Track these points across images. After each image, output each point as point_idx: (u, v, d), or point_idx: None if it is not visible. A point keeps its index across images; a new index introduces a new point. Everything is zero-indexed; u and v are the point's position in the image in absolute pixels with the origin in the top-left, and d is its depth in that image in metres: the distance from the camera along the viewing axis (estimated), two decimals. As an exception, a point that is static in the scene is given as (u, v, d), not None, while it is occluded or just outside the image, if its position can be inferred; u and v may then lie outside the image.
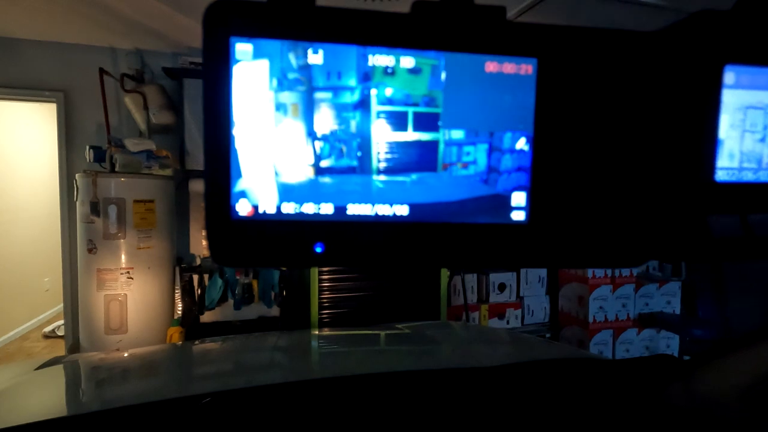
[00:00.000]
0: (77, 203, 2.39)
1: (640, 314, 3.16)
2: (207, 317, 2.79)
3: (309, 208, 0.22)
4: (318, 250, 0.22)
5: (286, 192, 0.22)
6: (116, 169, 2.35)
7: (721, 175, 0.24)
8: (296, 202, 0.22)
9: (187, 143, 2.64)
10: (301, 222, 0.22)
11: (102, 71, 2.56)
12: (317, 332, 1.77)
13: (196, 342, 1.35)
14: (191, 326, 2.64)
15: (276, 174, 0.21)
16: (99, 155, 2.39)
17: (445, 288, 2.74)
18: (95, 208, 2.26)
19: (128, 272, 2.35)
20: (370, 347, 1.26)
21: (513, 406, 0.72)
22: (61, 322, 3.42)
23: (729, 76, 0.23)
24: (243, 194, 0.21)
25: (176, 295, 2.72)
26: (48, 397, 0.88)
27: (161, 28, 2.45)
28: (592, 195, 0.24)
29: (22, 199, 3.95)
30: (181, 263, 2.72)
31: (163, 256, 2.51)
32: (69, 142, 2.75)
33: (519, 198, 0.23)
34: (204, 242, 2.94)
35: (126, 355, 1.20)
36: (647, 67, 0.23)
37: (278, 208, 0.22)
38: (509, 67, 0.22)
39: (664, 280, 3.19)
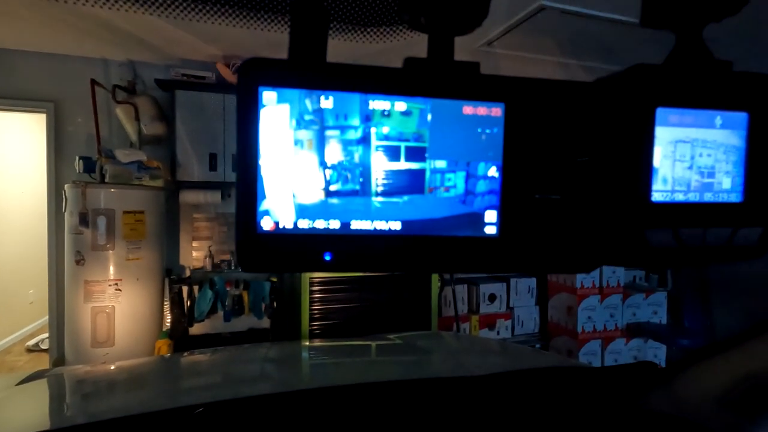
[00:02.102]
0: (65, 214, 2.37)
1: (628, 324, 3.20)
2: (196, 329, 2.75)
3: (320, 224, 0.27)
4: (327, 258, 0.27)
5: (302, 211, 0.26)
6: (106, 179, 2.34)
7: (656, 197, 0.29)
8: (310, 219, 0.27)
9: (179, 154, 2.64)
10: (313, 235, 0.27)
11: (93, 82, 2.56)
12: (308, 343, 1.76)
13: (185, 354, 1.34)
14: (180, 338, 2.60)
15: (294, 196, 0.26)
16: (89, 166, 2.38)
17: (436, 299, 2.75)
18: (84, 219, 2.24)
19: (116, 284, 2.33)
20: (361, 358, 1.26)
21: (501, 414, 0.73)
22: (46, 335, 3.35)
23: (661, 116, 0.29)
24: (266, 212, 0.26)
25: (165, 306, 2.69)
26: (30, 413, 0.86)
27: (154, 41, 2.47)
28: (550, 213, 0.29)
29: (7, 209, 3.89)
30: (171, 275, 2.69)
31: (152, 268, 2.49)
32: (58, 153, 2.73)
33: (491, 215, 0.28)
34: (194, 253, 2.92)
35: (112, 367, 1.18)
36: (594, 109, 0.28)
37: (295, 223, 0.26)
38: (482, 110, 0.27)
39: (651, 290, 3.24)
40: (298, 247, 0.26)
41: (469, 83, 0.27)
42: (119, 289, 2.33)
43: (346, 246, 0.27)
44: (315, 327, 2.58)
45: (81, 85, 2.61)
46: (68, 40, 2.48)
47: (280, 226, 0.26)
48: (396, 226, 0.27)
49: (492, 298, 3.13)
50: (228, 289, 2.72)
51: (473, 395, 0.78)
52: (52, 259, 2.72)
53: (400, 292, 2.68)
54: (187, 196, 2.74)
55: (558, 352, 3.21)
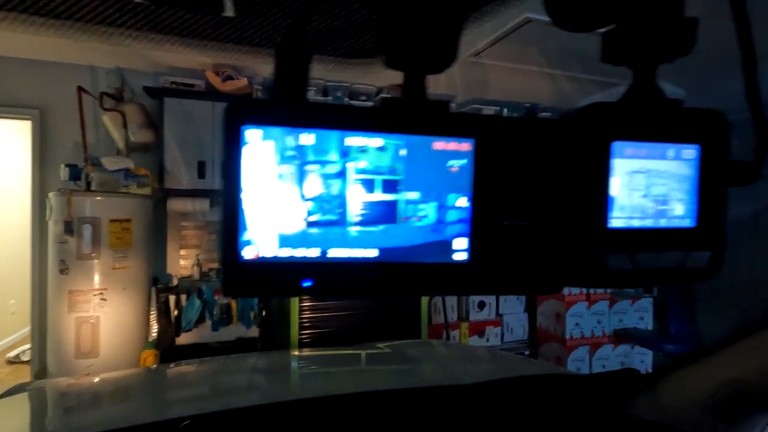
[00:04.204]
0: (50, 223, 2.33)
1: (615, 330, 3.24)
2: (183, 339, 2.71)
3: (300, 252, 0.28)
4: (307, 284, 0.28)
5: (283, 240, 0.28)
6: (92, 187, 2.30)
7: (614, 223, 0.31)
8: (290, 248, 0.28)
9: (167, 162, 2.62)
10: (294, 263, 0.28)
11: (80, 89, 2.53)
12: (297, 353, 1.75)
13: (171, 365, 1.32)
14: (167, 349, 2.56)
15: (275, 226, 0.28)
16: (74, 174, 2.35)
17: (425, 307, 2.76)
18: (69, 228, 2.20)
19: (102, 293, 2.29)
20: (351, 367, 1.26)
21: (486, 422, 0.74)
22: (27, 346, 3.27)
23: (617, 149, 0.31)
24: (249, 242, 0.27)
25: (152, 316, 2.64)
26: (11, 429, 0.84)
27: (142, 49, 2.46)
28: (517, 239, 0.30)
29: (-10, 217, 3.81)
30: (158, 283, 2.65)
31: (139, 277, 2.45)
32: (43, 161, 2.69)
33: (461, 243, 0.30)
34: (182, 262, 2.89)
35: (96, 380, 1.17)
36: (556, 144, 0.31)
37: (276, 252, 0.28)
38: (453, 144, 0.29)
39: (637, 297, 3.29)
40: (279, 275, 0.28)
41: (440, 120, 0.29)
42: (104, 299, 2.29)
43: (326, 273, 0.28)
44: (304, 336, 2.56)
45: (67, 92, 2.58)
46: (55, 46, 2.46)
47: (262, 255, 0.27)
48: (372, 253, 0.29)
49: (481, 305, 3.15)
50: (216, 297, 2.69)
51: (460, 404, 0.78)
52: (35, 268, 2.66)
53: (390, 300, 2.68)
54: (175, 204, 2.71)
55: (547, 359, 3.23)
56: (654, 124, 0.31)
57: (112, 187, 2.34)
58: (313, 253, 0.28)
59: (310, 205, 0.28)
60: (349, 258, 0.28)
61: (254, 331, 2.80)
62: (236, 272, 0.27)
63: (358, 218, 0.28)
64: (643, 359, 3.30)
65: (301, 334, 2.55)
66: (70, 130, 2.66)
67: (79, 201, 2.24)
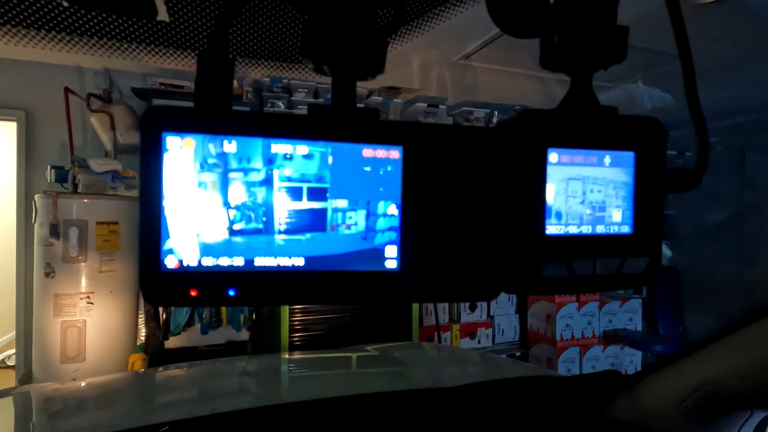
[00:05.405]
0: (35, 225, 2.29)
1: (605, 331, 3.27)
2: (172, 343, 2.68)
3: (224, 261, 0.27)
4: (231, 293, 0.28)
5: (206, 249, 0.27)
6: (79, 189, 2.28)
7: (550, 230, 0.31)
8: (214, 257, 0.27)
9: (156, 164, 2.60)
10: (217, 272, 0.27)
11: (67, 90, 2.51)
12: (287, 356, 1.74)
13: (160, 369, 1.31)
14: (155, 353, 2.53)
15: (198, 235, 0.27)
16: (61, 176, 2.32)
17: (417, 308, 2.76)
18: (55, 231, 2.17)
19: (88, 297, 2.26)
20: (340, 370, 1.26)
21: (470, 424, 0.74)
22: (12, 351, 3.21)
23: (552, 156, 0.31)
24: (171, 251, 0.27)
25: (140, 320, 2.61)
26: (-6, 434, 0.83)
27: (131, 49, 2.44)
28: (449, 247, 0.30)
29: (-25, 220, 3.74)
30: (146, 287, 2.62)
31: (127, 280, 2.42)
32: (29, 162, 2.65)
33: (391, 251, 0.30)
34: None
35: (83, 384, 1.15)
36: (489, 152, 0.30)
37: (199, 261, 0.27)
38: (381, 152, 0.29)
39: (626, 298, 3.33)
40: (202, 284, 0.27)
41: (368, 128, 0.29)
42: (91, 303, 2.26)
43: (251, 282, 0.28)
44: (295, 338, 2.55)
45: (54, 92, 2.55)
46: (42, 46, 2.43)
47: (185, 264, 0.27)
48: (299, 262, 0.28)
49: (472, 307, 3.16)
50: (206, 300, 2.67)
51: (444, 407, 0.79)
52: (21, 272, 2.62)
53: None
54: (165, 207, 2.68)
55: (538, 360, 3.25)
56: (590, 131, 0.31)
57: (100, 189, 2.32)
58: (238, 262, 0.27)
59: (234, 213, 0.27)
60: (275, 267, 0.28)
61: (244, 335, 2.78)
62: (157, 281, 0.27)
63: (285, 227, 0.28)
64: (632, 360, 3.34)
65: (291, 337, 2.54)
66: (56, 132, 2.63)
67: (66, 203, 2.21)
